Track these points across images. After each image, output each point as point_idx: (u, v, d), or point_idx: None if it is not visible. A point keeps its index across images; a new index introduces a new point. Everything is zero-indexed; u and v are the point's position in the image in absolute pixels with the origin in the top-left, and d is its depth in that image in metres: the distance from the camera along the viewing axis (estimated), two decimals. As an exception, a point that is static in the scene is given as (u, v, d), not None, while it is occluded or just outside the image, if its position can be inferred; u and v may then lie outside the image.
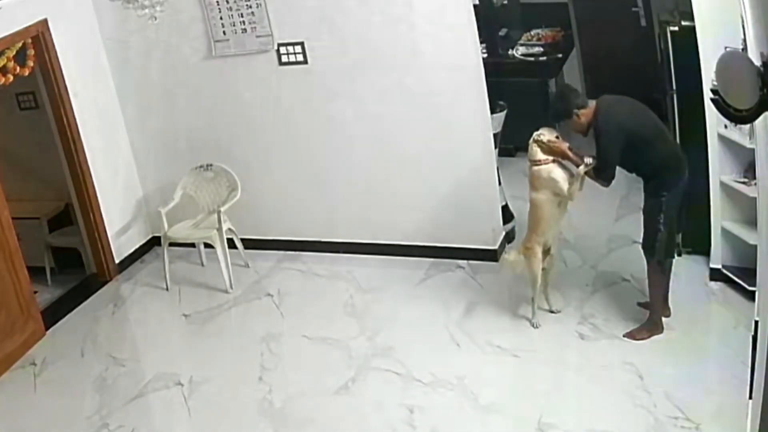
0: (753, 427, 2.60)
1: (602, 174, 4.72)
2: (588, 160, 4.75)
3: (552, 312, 5.20)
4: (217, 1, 6.02)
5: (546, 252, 5.08)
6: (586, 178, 4.82)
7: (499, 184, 6.14)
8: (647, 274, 4.92)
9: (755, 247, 3.31)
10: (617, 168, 4.75)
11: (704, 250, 5.35)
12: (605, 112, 4.68)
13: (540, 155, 4.85)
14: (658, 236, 4.70)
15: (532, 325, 5.13)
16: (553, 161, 4.86)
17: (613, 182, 4.85)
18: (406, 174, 6.02)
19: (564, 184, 4.81)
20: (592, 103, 4.76)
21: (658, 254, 4.76)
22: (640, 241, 4.92)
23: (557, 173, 4.84)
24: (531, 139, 4.89)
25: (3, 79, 5.71)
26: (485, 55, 6.51)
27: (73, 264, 6.76)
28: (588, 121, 4.70)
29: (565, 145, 4.83)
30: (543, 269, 5.07)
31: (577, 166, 4.80)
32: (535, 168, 4.88)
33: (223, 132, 6.44)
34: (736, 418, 3.84)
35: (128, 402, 5.05)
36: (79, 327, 5.98)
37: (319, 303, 5.86)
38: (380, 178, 6.11)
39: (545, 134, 4.85)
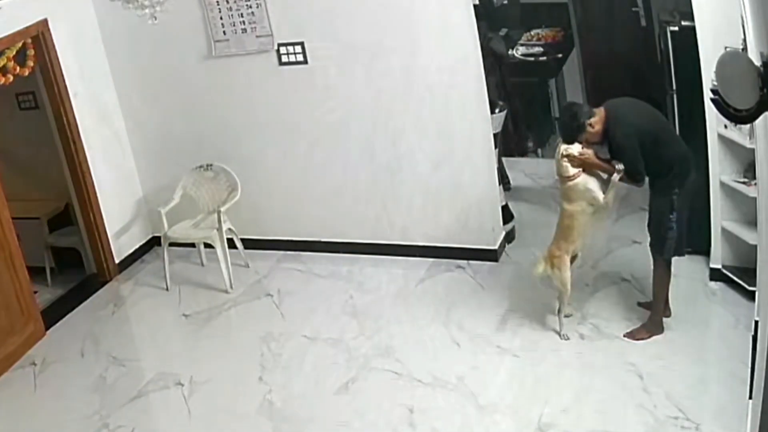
0: (753, 427, 2.60)
1: (632, 175, 4.66)
2: (620, 166, 4.68)
3: (565, 316, 5.10)
4: (217, 1, 6.02)
5: (573, 259, 5.01)
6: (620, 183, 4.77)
7: (500, 183, 6.14)
8: (653, 273, 4.90)
9: (755, 247, 3.32)
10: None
11: (704, 250, 5.34)
12: (615, 115, 4.66)
13: (571, 170, 4.74)
14: (669, 234, 4.69)
15: (561, 337, 5.01)
16: (584, 172, 4.76)
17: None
18: (406, 174, 6.02)
19: (600, 194, 4.74)
20: (598, 110, 4.71)
21: (668, 253, 4.75)
22: (642, 240, 4.92)
23: (593, 184, 4.75)
24: (559, 155, 4.77)
25: (3, 79, 5.71)
26: (485, 55, 6.51)
27: (73, 264, 6.76)
28: (601, 127, 4.66)
29: (593, 155, 4.75)
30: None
31: (608, 173, 4.73)
32: (570, 183, 4.77)
33: (223, 132, 6.44)
34: (736, 418, 3.84)
35: (128, 402, 5.05)
36: (79, 327, 5.98)
37: (319, 303, 5.85)
38: (380, 178, 6.11)
39: (571, 147, 4.73)
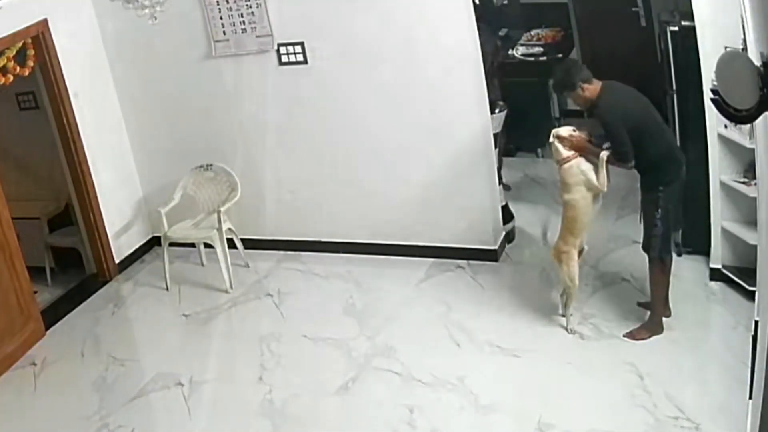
0: (753, 427, 2.60)
1: (620, 156, 4.67)
2: (606, 144, 4.74)
3: (563, 315, 5.13)
4: (217, 1, 6.02)
5: (579, 253, 5.03)
6: (611, 167, 4.80)
7: (499, 183, 6.14)
8: (648, 272, 4.92)
9: (755, 247, 3.32)
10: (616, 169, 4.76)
11: (704, 250, 5.35)
12: (609, 94, 4.66)
13: (565, 152, 4.82)
14: (654, 232, 4.70)
15: (569, 332, 5.03)
16: (578, 155, 4.83)
17: (612, 183, 4.86)
18: (406, 174, 6.02)
19: (593, 174, 4.79)
20: (596, 82, 4.69)
21: (655, 251, 4.76)
22: (641, 240, 4.92)
23: (586, 165, 4.82)
24: (551, 138, 4.86)
25: (3, 79, 5.71)
26: (485, 55, 6.51)
27: (73, 264, 6.76)
28: (591, 97, 4.68)
29: (584, 137, 4.82)
30: None
31: (597, 155, 4.77)
32: (566, 165, 4.84)
33: (223, 132, 6.44)
34: (736, 418, 3.84)
35: (128, 402, 5.05)
36: (79, 327, 5.98)
37: (319, 303, 5.86)
38: (380, 178, 6.11)
39: (562, 130, 4.85)
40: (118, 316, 6.15)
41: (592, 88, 4.67)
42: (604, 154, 4.72)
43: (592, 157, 4.82)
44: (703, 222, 5.21)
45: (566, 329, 5.05)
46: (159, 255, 6.49)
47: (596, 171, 4.79)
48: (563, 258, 4.96)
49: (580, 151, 4.82)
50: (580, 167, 4.82)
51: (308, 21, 5.86)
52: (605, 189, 4.84)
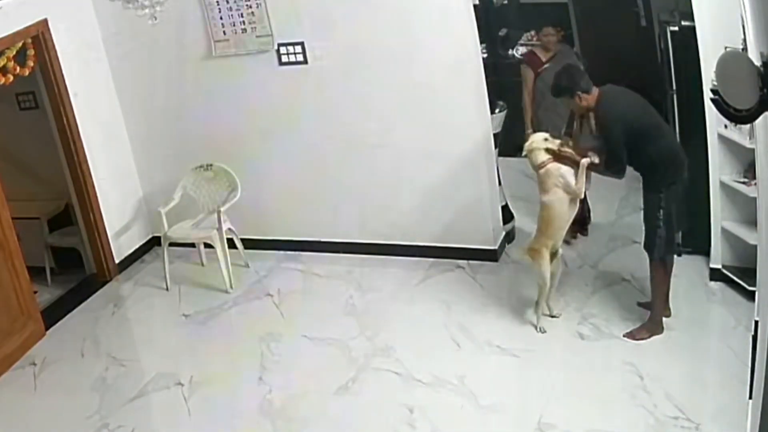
0: (753, 427, 2.60)
1: (611, 165, 4.69)
2: (591, 157, 4.74)
3: (552, 317, 5.16)
4: (217, 1, 6.02)
5: (553, 255, 5.05)
6: (598, 175, 4.84)
7: (499, 184, 6.14)
8: (650, 273, 4.92)
9: (755, 247, 3.32)
10: None
11: (704, 250, 5.35)
12: (607, 102, 4.67)
13: (541, 158, 4.86)
14: (658, 233, 4.70)
15: (537, 330, 5.08)
16: (555, 159, 4.86)
17: (612, 183, 4.86)
18: (406, 174, 6.02)
19: (572, 179, 4.82)
20: (594, 90, 4.71)
21: (658, 252, 4.76)
22: (641, 240, 4.92)
23: (564, 169, 4.85)
24: (537, 147, 4.87)
25: (3, 79, 5.71)
26: (485, 55, 6.52)
27: (73, 264, 6.76)
28: (588, 105, 4.70)
29: (570, 150, 4.84)
30: (551, 273, 5.04)
31: (578, 164, 4.79)
32: (543, 170, 4.87)
33: (223, 132, 6.43)
34: (736, 418, 3.84)
35: (128, 402, 5.05)
36: (79, 327, 5.98)
37: (319, 303, 5.86)
38: (380, 178, 6.11)
39: (548, 140, 4.86)
40: (118, 316, 6.15)
41: (590, 97, 4.68)
42: (585, 161, 4.74)
43: (572, 163, 4.85)
44: (703, 222, 5.21)
45: (535, 327, 5.08)
46: (159, 255, 6.49)
47: (576, 175, 4.81)
48: (534, 256, 5.00)
49: (566, 161, 4.84)
50: (559, 170, 4.85)
51: (308, 21, 5.86)
52: (581, 194, 4.89)
